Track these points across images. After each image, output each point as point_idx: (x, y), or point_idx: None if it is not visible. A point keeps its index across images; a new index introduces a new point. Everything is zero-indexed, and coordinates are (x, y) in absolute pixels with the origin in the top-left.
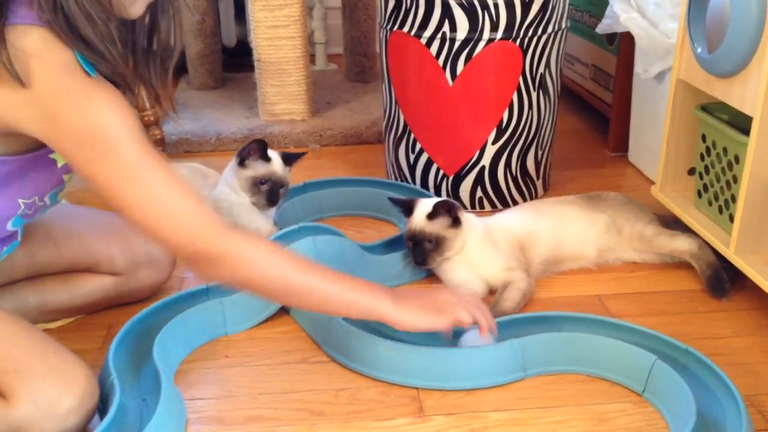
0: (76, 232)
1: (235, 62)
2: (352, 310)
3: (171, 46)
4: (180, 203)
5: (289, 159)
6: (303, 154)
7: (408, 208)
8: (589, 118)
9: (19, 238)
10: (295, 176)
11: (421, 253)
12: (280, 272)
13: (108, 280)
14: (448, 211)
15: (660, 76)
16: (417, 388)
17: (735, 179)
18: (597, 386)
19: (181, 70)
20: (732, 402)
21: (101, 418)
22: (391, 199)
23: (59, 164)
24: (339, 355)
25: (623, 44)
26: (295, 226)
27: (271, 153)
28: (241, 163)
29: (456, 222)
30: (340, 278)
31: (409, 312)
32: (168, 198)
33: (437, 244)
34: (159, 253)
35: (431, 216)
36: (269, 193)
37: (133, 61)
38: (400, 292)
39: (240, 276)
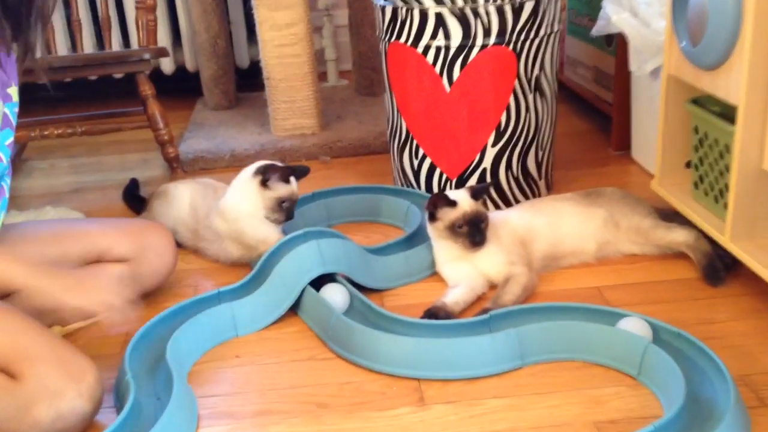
0: (79, 227)
1: (249, 83)
2: None
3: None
4: None
5: (297, 174)
6: (307, 169)
7: (446, 201)
8: (593, 119)
9: (6, 195)
10: (307, 187)
11: (482, 233)
12: None
13: (120, 268)
14: (487, 190)
15: (655, 73)
16: (418, 379)
17: (727, 168)
18: (593, 372)
19: (196, 92)
20: (722, 380)
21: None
22: (428, 204)
23: None
24: (343, 351)
25: (620, 45)
26: (301, 232)
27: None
28: (264, 183)
29: (484, 202)
30: None
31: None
32: None
33: (487, 222)
34: (162, 242)
35: (475, 198)
36: (288, 210)
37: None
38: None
39: None
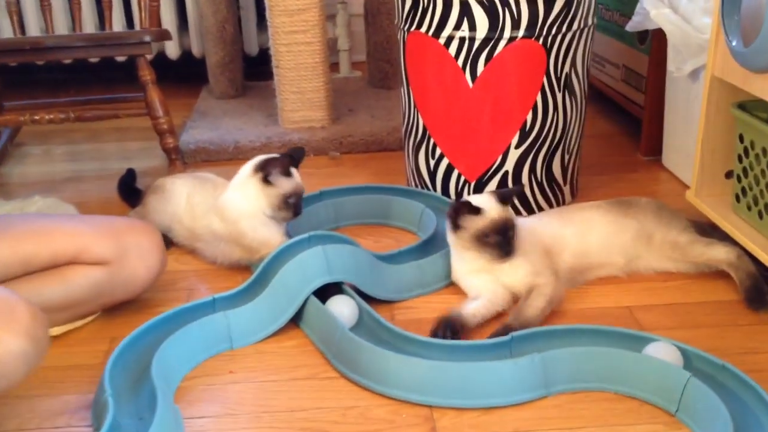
0: (59, 222)
1: (258, 71)
2: None
3: None
4: None
5: (295, 160)
6: (302, 151)
7: (470, 208)
8: (620, 122)
9: None
10: (314, 184)
11: (511, 242)
12: None
13: (98, 271)
14: (516, 195)
15: (694, 75)
16: (430, 407)
17: None
18: (626, 405)
19: (202, 79)
20: None
21: None
22: (450, 211)
23: None
24: (348, 371)
25: (655, 43)
26: (306, 235)
27: None
28: (265, 179)
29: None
30: None
31: None
32: None
33: (515, 230)
34: (148, 243)
35: (503, 202)
36: (296, 206)
37: None
38: None
39: None
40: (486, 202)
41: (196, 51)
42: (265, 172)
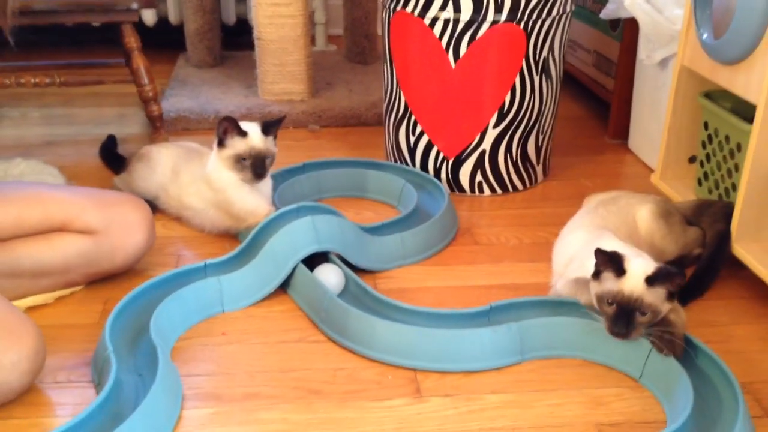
0: (51, 189)
1: (234, 41)
2: None
3: None
4: None
5: (268, 127)
6: (282, 118)
7: (616, 263)
8: (589, 105)
9: None
10: (295, 156)
11: (628, 324)
12: None
13: (85, 239)
14: (671, 280)
15: (663, 63)
16: (414, 370)
17: (736, 168)
18: (594, 371)
19: (177, 46)
20: (729, 389)
21: (97, 392)
22: (597, 252)
23: None
24: (336, 335)
25: (627, 30)
26: (295, 206)
27: (248, 126)
28: (220, 143)
29: (671, 297)
30: None
31: None
32: None
33: (651, 317)
34: (136, 217)
35: (651, 281)
36: (253, 167)
37: None
38: None
39: None
40: (632, 269)
41: (173, 18)
42: (218, 136)
